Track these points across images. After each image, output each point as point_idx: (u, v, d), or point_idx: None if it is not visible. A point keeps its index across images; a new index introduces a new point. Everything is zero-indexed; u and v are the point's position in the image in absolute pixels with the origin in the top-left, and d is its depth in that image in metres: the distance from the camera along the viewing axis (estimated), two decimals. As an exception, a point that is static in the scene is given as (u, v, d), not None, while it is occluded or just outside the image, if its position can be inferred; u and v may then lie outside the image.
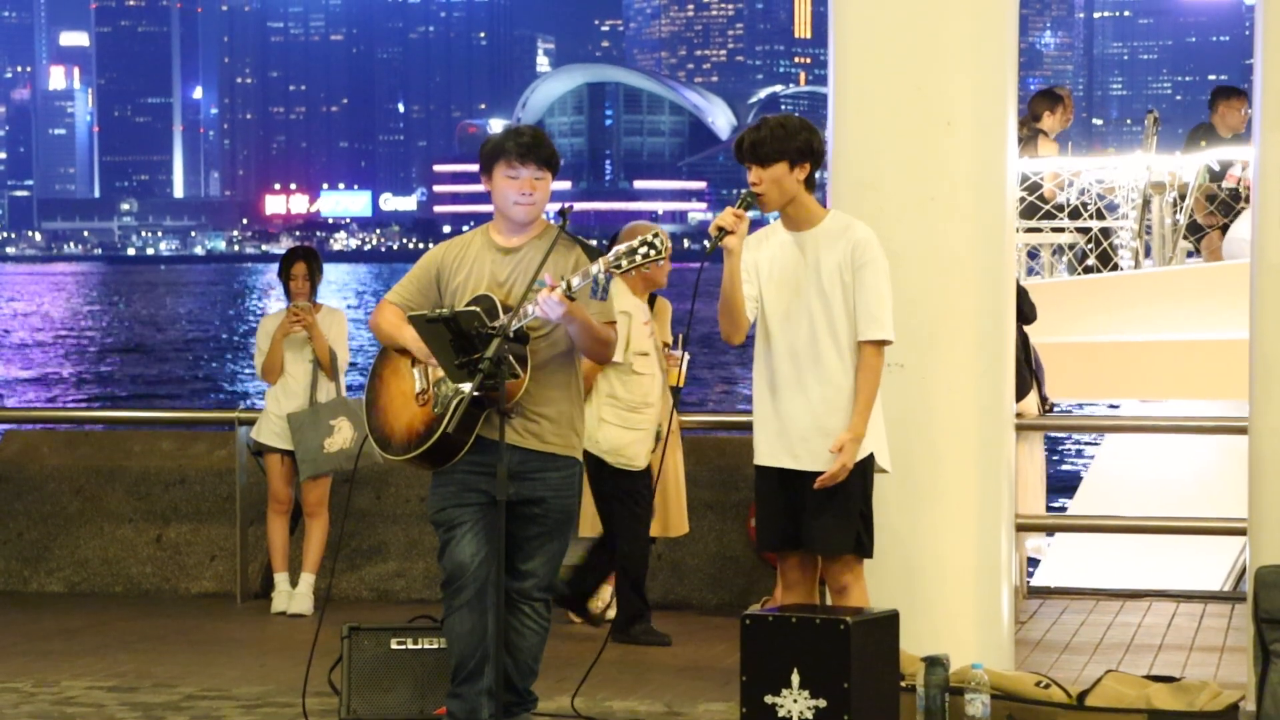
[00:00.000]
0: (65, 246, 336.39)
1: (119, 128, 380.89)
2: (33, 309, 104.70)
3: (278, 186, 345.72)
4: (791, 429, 6.87)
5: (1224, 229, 14.11)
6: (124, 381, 57.06)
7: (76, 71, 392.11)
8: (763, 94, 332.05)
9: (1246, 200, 13.36)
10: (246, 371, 56.82)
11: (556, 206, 6.75)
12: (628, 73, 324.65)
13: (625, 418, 8.97)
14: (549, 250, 6.63)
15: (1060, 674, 7.76)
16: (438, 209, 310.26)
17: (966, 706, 6.83)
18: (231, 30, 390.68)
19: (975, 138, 7.68)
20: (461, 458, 6.66)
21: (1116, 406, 19.00)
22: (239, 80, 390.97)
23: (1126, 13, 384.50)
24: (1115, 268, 14.36)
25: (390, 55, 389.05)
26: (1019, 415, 9.37)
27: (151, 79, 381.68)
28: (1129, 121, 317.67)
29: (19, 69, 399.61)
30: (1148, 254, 14.66)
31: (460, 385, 6.52)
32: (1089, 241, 14.28)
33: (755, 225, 6.91)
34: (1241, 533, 8.80)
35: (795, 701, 6.40)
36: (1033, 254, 14.73)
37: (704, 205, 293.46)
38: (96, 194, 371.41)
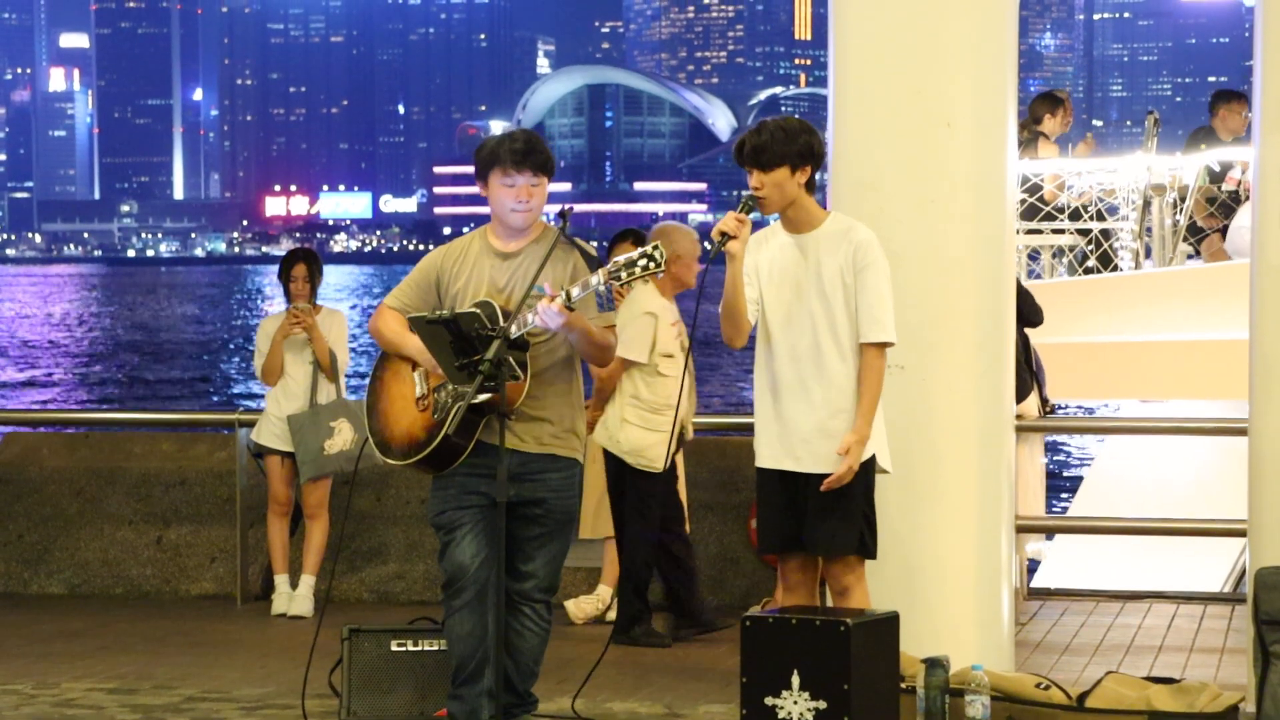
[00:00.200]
0: (65, 248, 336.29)
1: (119, 129, 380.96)
2: (33, 311, 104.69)
3: (278, 188, 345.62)
4: (793, 431, 6.88)
5: (1224, 231, 14.10)
6: (124, 383, 57.07)
7: (76, 73, 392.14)
8: (763, 96, 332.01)
9: (1247, 201, 13.35)
10: (246, 373, 56.81)
11: (556, 208, 6.76)
12: (628, 74, 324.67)
13: (648, 419, 8.97)
14: (545, 257, 6.64)
15: (1060, 675, 7.76)
16: (438, 210, 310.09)
17: (966, 708, 6.83)
18: (232, 32, 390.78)
19: (975, 139, 7.68)
20: (462, 462, 6.67)
21: (1117, 407, 18.99)
22: (239, 82, 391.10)
23: (1126, 14, 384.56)
24: (1115, 269, 14.36)
25: (390, 57, 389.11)
26: (1019, 417, 9.37)
27: (151, 81, 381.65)
28: (1129, 123, 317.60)
29: (19, 70, 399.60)
30: (1148, 255, 14.66)
31: (459, 391, 6.53)
32: (1089, 243, 14.28)
33: (755, 227, 6.93)
34: (1241, 534, 8.81)
35: (795, 703, 6.41)
36: (1033, 256, 14.73)
37: (704, 207, 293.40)
38: (96, 195, 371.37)
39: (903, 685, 6.78)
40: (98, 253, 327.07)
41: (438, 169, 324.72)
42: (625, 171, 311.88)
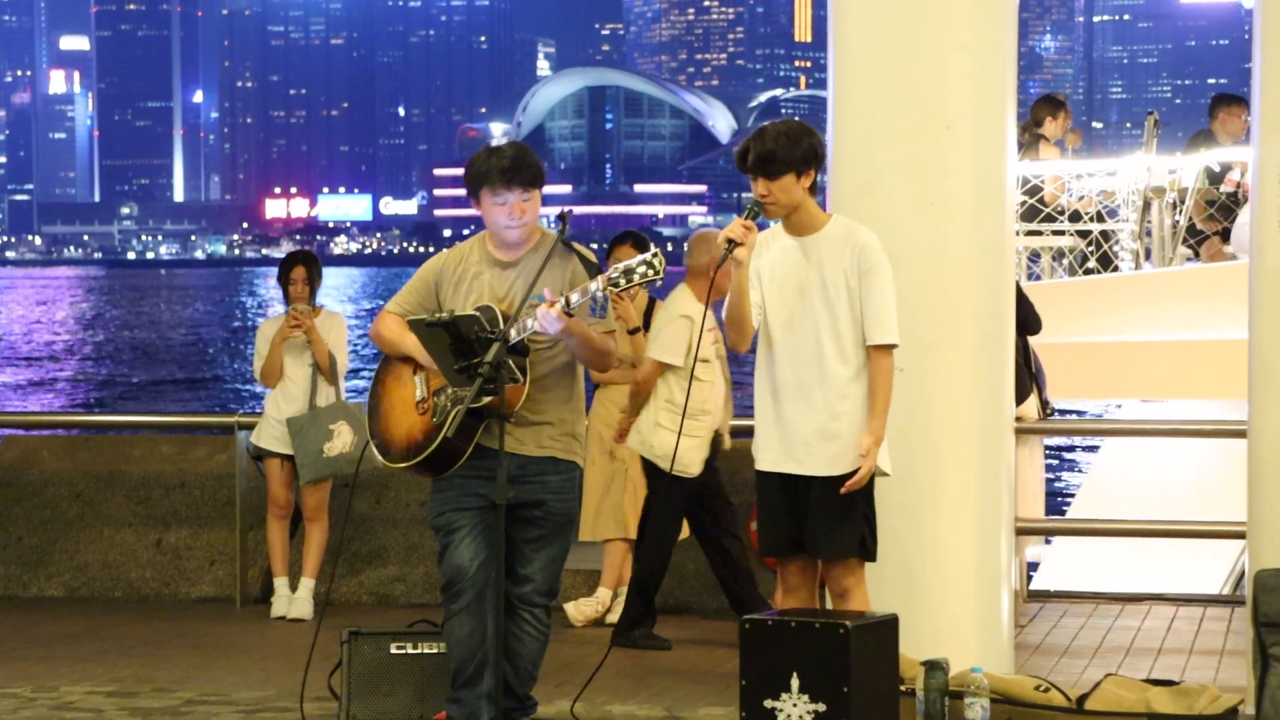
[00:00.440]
0: (65, 250, 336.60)
1: (119, 131, 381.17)
2: (33, 313, 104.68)
3: (278, 190, 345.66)
4: (794, 434, 6.87)
5: (1223, 234, 14.10)
6: (124, 386, 57.06)
7: (77, 75, 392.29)
8: (763, 98, 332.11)
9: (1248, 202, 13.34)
10: (246, 376, 56.79)
11: (556, 210, 6.75)
12: (628, 76, 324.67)
13: (684, 424, 8.94)
14: (543, 264, 6.64)
15: (1060, 678, 7.76)
16: (438, 213, 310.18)
17: (966, 710, 6.83)
18: (232, 34, 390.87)
19: (975, 141, 7.68)
20: (461, 465, 6.67)
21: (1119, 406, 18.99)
22: (239, 84, 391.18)
23: (1126, 16, 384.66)
24: (1116, 271, 14.36)
25: (391, 59, 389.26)
26: (1019, 419, 9.36)
27: (152, 83, 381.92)
28: (1129, 125, 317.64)
29: (19, 73, 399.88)
30: (1148, 257, 14.66)
31: (459, 394, 6.53)
32: (1089, 245, 14.28)
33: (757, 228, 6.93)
34: (1241, 536, 8.80)
35: (795, 705, 6.40)
36: (1033, 257, 14.73)
37: (704, 209, 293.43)
38: (97, 198, 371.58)
39: (902, 688, 6.78)
40: (98, 255, 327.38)
41: (438, 171, 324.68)
42: (625, 174, 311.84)
